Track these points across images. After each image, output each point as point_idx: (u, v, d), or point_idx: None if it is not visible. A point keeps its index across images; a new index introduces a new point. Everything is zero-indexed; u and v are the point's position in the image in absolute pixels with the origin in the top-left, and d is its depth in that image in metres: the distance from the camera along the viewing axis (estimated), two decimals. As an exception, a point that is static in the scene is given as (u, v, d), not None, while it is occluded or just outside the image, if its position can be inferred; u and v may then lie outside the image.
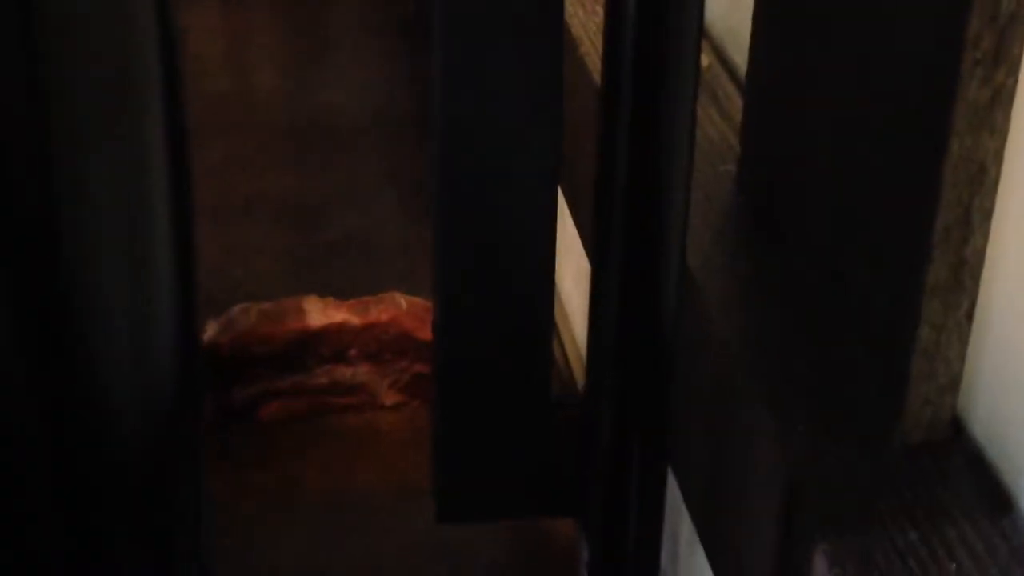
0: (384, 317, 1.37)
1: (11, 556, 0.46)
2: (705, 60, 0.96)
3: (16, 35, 0.39)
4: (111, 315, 0.44)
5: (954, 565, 0.60)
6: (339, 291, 1.44)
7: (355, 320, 1.37)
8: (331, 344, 1.38)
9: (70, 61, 0.40)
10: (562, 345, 1.34)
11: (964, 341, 0.65)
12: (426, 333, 1.34)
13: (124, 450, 0.46)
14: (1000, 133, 0.61)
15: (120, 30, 0.42)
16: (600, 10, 1.00)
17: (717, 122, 0.92)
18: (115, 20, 0.41)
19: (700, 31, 0.68)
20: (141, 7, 0.42)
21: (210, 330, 1.33)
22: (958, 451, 0.67)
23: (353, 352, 1.38)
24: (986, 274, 0.64)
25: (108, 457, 0.46)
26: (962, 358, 0.66)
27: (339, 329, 1.37)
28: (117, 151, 0.43)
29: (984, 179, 0.61)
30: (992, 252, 0.63)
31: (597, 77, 0.95)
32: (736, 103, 0.93)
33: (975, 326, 0.65)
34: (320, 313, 1.37)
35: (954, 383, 0.66)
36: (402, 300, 1.39)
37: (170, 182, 0.45)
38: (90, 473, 0.45)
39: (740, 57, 0.95)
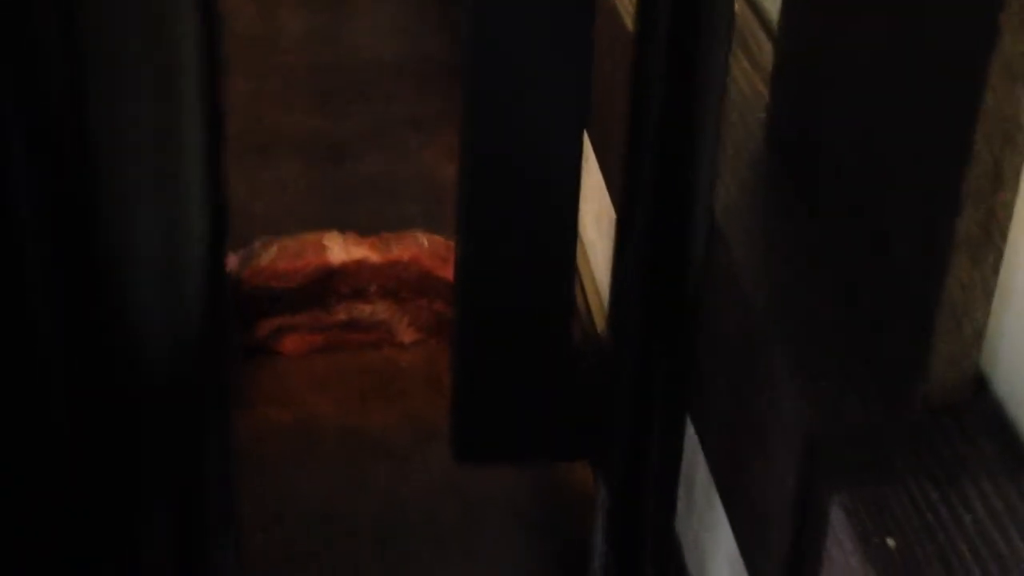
0: (405, 255, 1.37)
1: (34, 490, 0.46)
2: (736, 7, 0.96)
3: None
4: (141, 241, 0.44)
5: (969, 516, 0.60)
6: (361, 228, 1.43)
7: (376, 257, 1.37)
8: (351, 281, 1.38)
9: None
10: (583, 290, 1.34)
11: (989, 297, 0.65)
12: (447, 272, 1.34)
13: (151, 380, 0.46)
14: (1035, 88, 0.60)
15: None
16: (633, -47, 1.00)
17: (747, 71, 0.91)
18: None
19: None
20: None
21: (230, 264, 1.33)
22: (980, 408, 0.67)
23: (373, 289, 1.38)
24: (1013, 231, 0.63)
25: (135, 386, 0.46)
26: (987, 314, 0.65)
27: (359, 266, 1.37)
28: (151, 75, 0.43)
29: (1017, 134, 0.61)
30: (1021, 208, 0.63)
31: (627, 21, 0.95)
32: (767, 52, 0.92)
33: (1000, 283, 0.65)
34: (341, 249, 1.37)
35: (978, 339, 0.66)
36: (424, 239, 1.39)
37: (203, 108, 0.45)
38: (116, 403, 0.45)
39: (771, 4, 0.95)
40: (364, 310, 1.39)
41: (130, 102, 0.42)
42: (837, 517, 0.62)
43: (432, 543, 1.22)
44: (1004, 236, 0.63)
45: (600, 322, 1.28)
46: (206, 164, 0.46)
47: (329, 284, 1.37)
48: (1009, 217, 0.63)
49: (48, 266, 0.42)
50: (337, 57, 1.94)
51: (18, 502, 0.46)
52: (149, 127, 0.43)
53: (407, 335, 1.40)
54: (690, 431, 0.83)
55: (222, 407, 0.50)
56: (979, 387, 0.68)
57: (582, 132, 0.84)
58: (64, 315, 0.43)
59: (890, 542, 0.59)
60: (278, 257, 1.36)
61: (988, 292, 0.64)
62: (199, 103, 0.44)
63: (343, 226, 1.44)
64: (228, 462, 0.51)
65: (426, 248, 1.37)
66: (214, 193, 0.46)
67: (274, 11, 2.03)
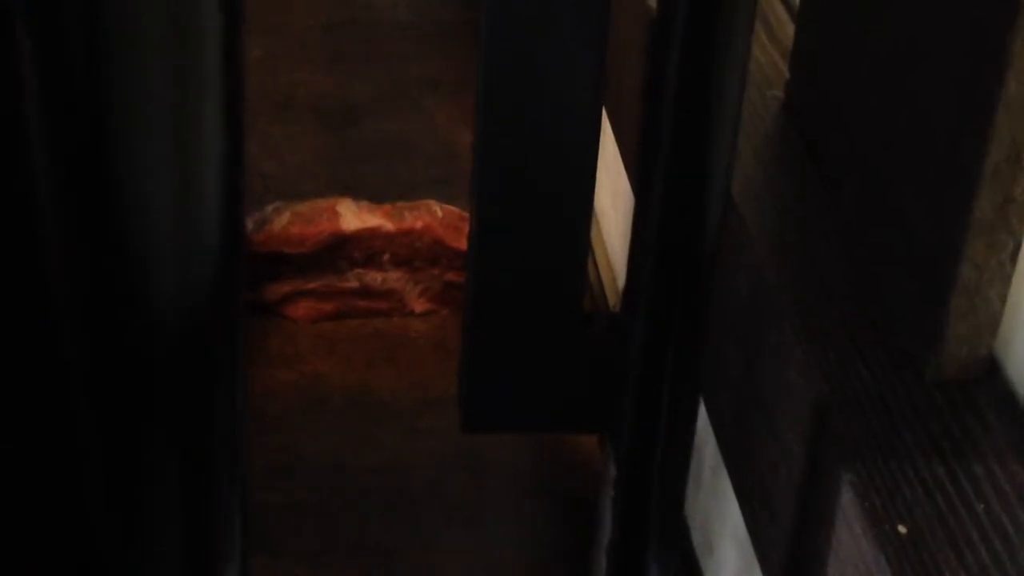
0: (418, 224, 1.37)
1: (44, 446, 0.46)
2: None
3: None
4: (155, 192, 0.44)
5: (982, 506, 0.60)
6: (373, 192, 1.43)
7: (389, 225, 1.37)
8: (363, 248, 1.38)
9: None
10: (595, 262, 1.34)
11: (1006, 282, 0.64)
12: (459, 242, 1.34)
13: (165, 336, 0.46)
14: (1057, 73, 0.60)
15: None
16: (653, -75, 0.99)
17: (766, 46, 0.91)
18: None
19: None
20: None
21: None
22: (991, 390, 0.67)
23: (385, 257, 1.38)
24: (1032, 216, 0.63)
25: (148, 342, 0.46)
26: (1003, 298, 0.65)
27: (372, 234, 1.37)
28: (170, 28, 0.42)
29: (1037, 119, 0.61)
30: (1040, 194, 0.63)
31: (647, -8, 0.94)
32: (786, 28, 0.92)
33: (1018, 268, 0.64)
34: (354, 216, 1.37)
35: (992, 322, 0.66)
36: (437, 208, 1.39)
37: (223, 65, 0.44)
38: (130, 358, 0.45)
39: (792, -19, 0.94)
40: (376, 278, 1.39)
41: (148, 55, 0.42)
42: (847, 498, 0.62)
43: (437, 506, 1.22)
44: (1022, 222, 0.63)
45: (612, 297, 1.28)
46: (224, 121, 0.45)
47: (342, 251, 1.37)
48: (1027, 202, 0.63)
49: (61, 221, 0.42)
50: (352, 17, 1.94)
51: (26, 458, 0.46)
52: (167, 82, 0.43)
53: (418, 304, 1.40)
54: (699, 406, 0.83)
55: (235, 365, 0.50)
56: (991, 370, 0.68)
57: (599, 104, 0.83)
58: (77, 271, 0.43)
59: (901, 528, 0.59)
60: (291, 222, 1.36)
61: (1004, 277, 0.64)
62: (219, 59, 0.44)
63: (355, 188, 1.44)
64: (240, 420, 0.51)
65: (440, 218, 1.37)
66: (231, 151, 0.46)
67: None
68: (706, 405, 0.85)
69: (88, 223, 0.41)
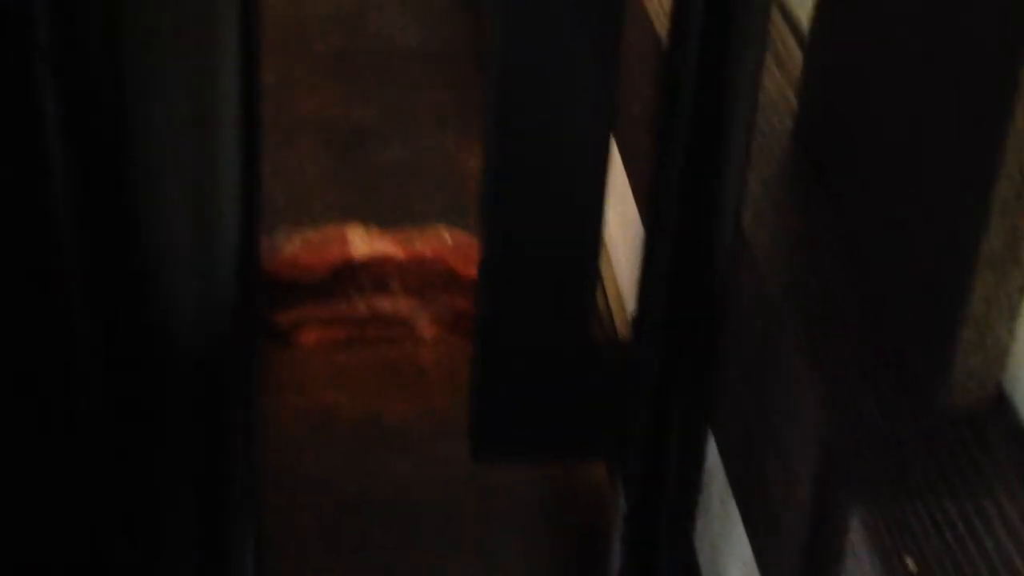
0: (428, 251, 1.37)
1: (64, 462, 0.46)
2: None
3: None
4: (176, 221, 0.44)
5: (992, 541, 0.60)
6: (383, 217, 1.43)
7: (399, 252, 1.37)
8: (373, 275, 1.38)
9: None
10: (603, 290, 1.33)
11: (1015, 315, 0.64)
12: (470, 270, 1.34)
13: (183, 361, 0.46)
14: (1067, 107, 0.60)
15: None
16: (663, -46, 0.99)
17: (775, 75, 0.91)
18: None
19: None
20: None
21: (252, 253, 1.33)
22: (1001, 423, 0.67)
23: (395, 284, 1.38)
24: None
25: (166, 367, 0.46)
26: (1011, 332, 0.65)
27: (382, 260, 1.37)
28: (189, 59, 0.43)
29: (1047, 154, 0.61)
30: (1049, 227, 0.63)
31: (656, 21, 0.95)
32: (795, 56, 0.92)
33: (1026, 303, 0.65)
34: (364, 243, 1.37)
35: (1001, 356, 0.66)
36: (447, 235, 1.38)
37: (240, 94, 0.45)
38: (148, 382, 0.45)
39: (801, 10, 0.94)
40: (386, 305, 1.39)
41: (168, 85, 0.42)
42: (857, 533, 0.62)
43: (446, 534, 1.22)
44: (1031, 255, 0.63)
45: (621, 325, 1.27)
46: (241, 149, 0.46)
47: (351, 278, 1.37)
48: (1037, 236, 0.63)
49: (83, 248, 0.42)
50: (363, 43, 1.94)
51: (48, 480, 0.46)
52: (186, 110, 0.43)
53: (428, 331, 1.40)
54: (708, 437, 0.83)
55: (251, 392, 0.50)
56: (1000, 403, 0.67)
57: (609, 131, 0.83)
58: (98, 298, 0.43)
59: (910, 563, 0.59)
60: (301, 249, 1.36)
61: (1013, 310, 0.64)
62: (236, 88, 0.44)
63: (365, 214, 1.44)
64: (254, 447, 0.51)
65: (450, 245, 1.37)
66: (248, 179, 0.46)
67: (301, -5, 2.03)
68: (715, 435, 0.84)
69: (106, 248, 0.41)
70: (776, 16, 0.97)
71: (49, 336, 0.44)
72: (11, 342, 0.44)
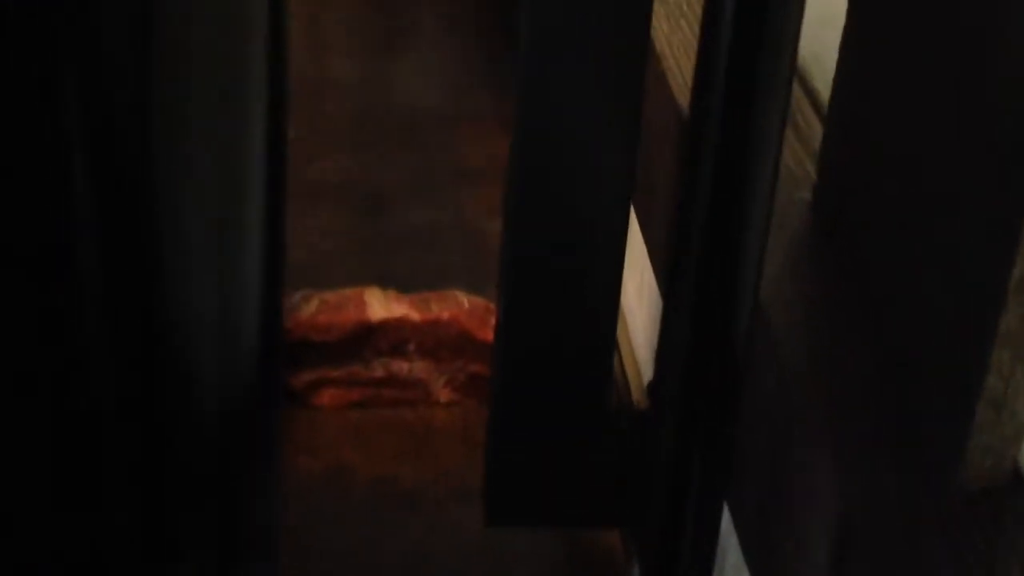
0: (445, 314, 1.38)
1: (86, 528, 0.46)
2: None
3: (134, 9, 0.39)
4: (199, 288, 0.44)
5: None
6: (401, 280, 1.44)
7: (415, 315, 1.38)
8: (390, 337, 1.38)
9: (182, 32, 0.40)
10: (620, 356, 1.33)
11: (1032, 393, 0.64)
12: (485, 333, 1.34)
13: (205, 422, 0.46)
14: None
15: (229, 4, 0.42)
16: (684, 25, 1.00)
17: (794, 147, 0.91)
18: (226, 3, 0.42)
19: (794, 61, 0.68)
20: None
21: (271, 314, 1.34)
22: (1017, 501, 0.67)
23: (411, 347, 1.39)
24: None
25: (188, 428, 0.46)
26: (1029, 410, 0.65)
27: (399, 323, 1.38)
28: (219, 131, 0.43)
29: (1065, 232, 0.61)
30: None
31: (677, 93, 0.95)
32: (815, 128, 0.92)
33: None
34: (381, 306, 1.38)
35: (1017, 434, 0.66)
36: (464, 299, 1.39)
37: (267, 159, 0.45)
38: (170, 447, 0.45)
39: (821, 82, 0.95)
40: (402, 367, 1.39)
41: (196, 158, 0.42)
42: (870, 610, 0.62)
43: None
44: (1049, 335, 0.63)
45: (637, 391, 1.27)
46: (267, 216, 0.46)
47: (368, 340, 1.38)
48: (1054, 315, 0.63)
49: (107, 310, 0.42)
50: (384, 105, 1.95)
51: (74, 538, 0.46)
52: (214, 180, 0.43)
53: (443, 394, 1.41)
54: (723, 508, 0.83)
55: (270, 454, 0.50)
56: (1016, 481, 0.67)
57: (628, 201, 0.84)
58: (123, 360, 0.43)
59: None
60: (319, 310, 1.37)
61: (1030, 389, 0.64)
62: (263, 158, 0.45)
63: (383, 277, 1.45)
64: (272, 508, 0.52)
65: (466, 309, 1.38)
66: (273, 243, 0.47)
67: (324, 58, 2.04)
68: (730, 506, 0.84)
69: (132, 312, 0.42)
70: (796, 88, 0.97)
71: (73, 397, 0.45)
72: (35, 402, 0.44)
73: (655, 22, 1.04)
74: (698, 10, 1.01)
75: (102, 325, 0.43)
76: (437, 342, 1.38)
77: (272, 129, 0.45)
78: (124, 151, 0.41)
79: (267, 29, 0.45)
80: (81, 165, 0.40)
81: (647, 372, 1.27)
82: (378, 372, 1.39)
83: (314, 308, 1.37)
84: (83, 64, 0.39)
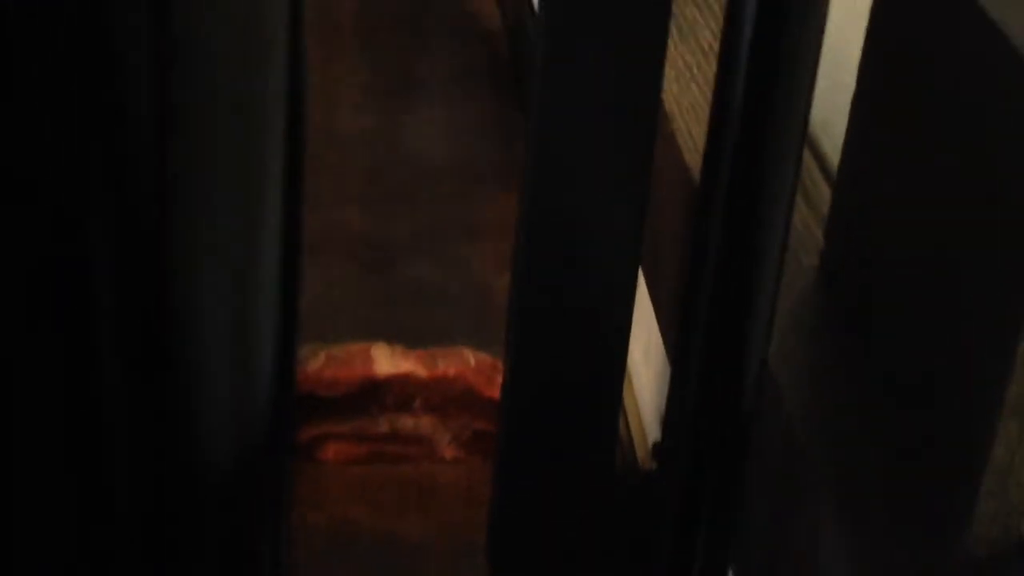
0: (451, 371, 1.38)
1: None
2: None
3: (148, 54, 0.39)
4: (212, 340, 0.44)
5: None
6: (408, 335, 1.44)
7: (422, 372, 1.38)
8: (396, 393, 1.38)
9: (200, 81, 0.40)
10: (625, 416, 1.34)
11: (1038, 463, 0.65)
12: (491, 391, 1.34)
13: (215, 479, 0.46)
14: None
15: (250, 57, 0.42)
16: (695, 87, 1.00)
17: (802, 211, 0.91)
18: (247, 56, 0.42)
19: (806, 127, 0.69)
20: (271, 39, 0.43)
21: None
22: (1022, 570, 0.67)
23: (417, 403, 1.39)
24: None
25: (198, 484, 0.46)
26: (1034, 480, 0.65)
27: (405, 379, 1.38)
28: (235, 174, 0.43)
29: (1072, 304, 0.61)
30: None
31: (686, 153, 0.95)
32: (823, 193, 0.93)
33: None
34: (388, 361, 1.38)
35: (1023, 503, 0.66)
36: (470, 356, 1.39)
37: (283, 215, 0.45)
38: (180, 498, 0.45)
39: (830, 146, 0.95)
40: (407, 423, 1.39)
41: (213, 200, 0.42)
42: None
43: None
44: (1054, 404, 0.63)
45: (641, 451, 1.27)
46: (281, 275, 0.46)
47: (374, 395, 1.38)
48: (1060, 385, 0.63)
49: (119, 359, 0.42)
50: (392, 159, 1.95)
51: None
52: (231, 224, 0.43)
53: (448, 451, 1.41)
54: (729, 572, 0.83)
55: (280, 514, 0.50)
56: (1022, 550, 0.67)
57: (637, 261, 0.84)
58: (132, 412, 0.43)
59: None
60: (325, 365, 1.37)
61: (1036, 459, 0.64)
62: (280, 203, 0.45)
63: (390, 331, 1.45)
64: (282, 560, 0.52)
65: (472, 366, 1.38)
66: (288, 296, 0.47)
67: (333, 111, 2.04)
68: (734, 568, 0.84)
69: (143, 370, 0.42)
70: (805, 152, 0.97)
71: (83, 457, 0.45)
72: (45, 464, 0.44)
73: (664, 83, 1.04)
74: (708, 72, 1.01)
75: (114, 371, 0.43)
76: (443, 399, 1.39)
77: (289, 180, 0.45)
78: (140, 196, 0.41)
79: (286, 85, 0.45)
80: (98, 227, 0.40)
81: (652, 432, 1.27)
82: (383, 428, 1.39)
83: (321, 362, 1.37)
84: (105, 138, 0.39)
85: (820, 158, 0.97)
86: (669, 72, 1.04)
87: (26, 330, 0.40)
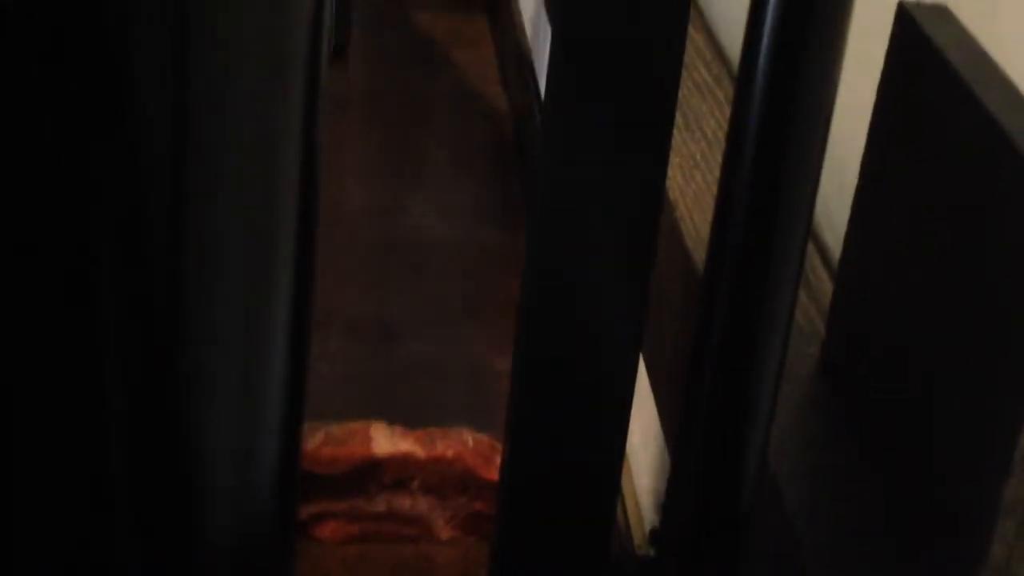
0: (449, 452, 1.38)
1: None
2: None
3: (168, 98, 0.40)
4: (219, 426, 0.44)
5: None
6: (406, 414, 1.44)
7: (420, 452, 1.38)
8: (394, 473, 1.38)
9: (216, 164, 0.41)
10: (623, 501, 1.33)
11: (1035, 562, 0.65)
12: (489, 472, 1.34)
13: (221, 561, 0.46)
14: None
15: (265, 141, 0.43)
16: (698, 176, 1.01)
17: (804, 302, 0.92)
18: (261, 136, 0.42)
19: (810, 220, 0.69)
20: (286, 118, 0.43)
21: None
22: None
23: (415, 483, 1.39)
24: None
25: (203, 563, 0.46)
26: (1032, 578, 0.65)
27: (403, 459, 1.38)
28: (248, 253, 0.43)
29: (1072, 404, 0.61)
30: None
31: (689, 241, 0.96)
32: (824, 283, 0.93)
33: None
34: (386, 441, 1.38)
35: (1021, 601, 0.66)
36: (469, 437, 1.39)
37: (293, 302, 0.45)
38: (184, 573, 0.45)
39: (831, 235, 0.95)
40: (404, 503, 1.39)
41: (226, 293, 0.43)
42: None
43: None
44: (1054, 504, 0.63)
45: (638, 536, 1.27)
46: (290, 354, 0.46)
47: (372, 474, 1.38)
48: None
49: (127, 437, 0.42)
50: (395, 236, 1.96)
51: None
52: (240, 317, 0.44)
53: (445, 531, 1.40)
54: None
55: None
56: (1019, 648, 0.67)
57: (638, 349, 0.84)
58: (140, 495, 0.43)
59: None
60: (324, 443, 1.37)
61: (1034, 558, 0.64)
62: (291, 281, 0.45)
63: (388, 409, 1.45)
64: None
65: (471, 447, 1.38)
66: (295, 381, 0.47)
67: (339, 186, 2.05)
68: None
69: (153, 449, 0.42)
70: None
71: (90, 532, 0.45)
72: (53, 531, 0.44)
73: (668, 171, 1.05)
74: (712, 161, 1.02)
75: (121, 448, 0.43)
76: (441, 479, 1.39)
77: (300, 257, 0.45)
78: (152, 277, 0.41)
79: (301, 158, 0.46)
80: (110, 308, 0.41)
81: (649, 517, 1.27)
82: (381, 507, 1.39)
83: (319, 441, 1.37)
84: (118, 215, 0.40)
85: (822, 249, 0.97)
86: (673, 160, 1.05)
87: (38, 407, 0.40)
